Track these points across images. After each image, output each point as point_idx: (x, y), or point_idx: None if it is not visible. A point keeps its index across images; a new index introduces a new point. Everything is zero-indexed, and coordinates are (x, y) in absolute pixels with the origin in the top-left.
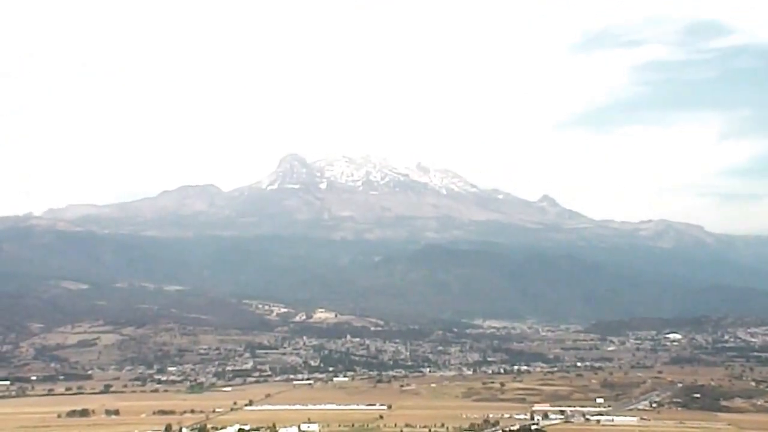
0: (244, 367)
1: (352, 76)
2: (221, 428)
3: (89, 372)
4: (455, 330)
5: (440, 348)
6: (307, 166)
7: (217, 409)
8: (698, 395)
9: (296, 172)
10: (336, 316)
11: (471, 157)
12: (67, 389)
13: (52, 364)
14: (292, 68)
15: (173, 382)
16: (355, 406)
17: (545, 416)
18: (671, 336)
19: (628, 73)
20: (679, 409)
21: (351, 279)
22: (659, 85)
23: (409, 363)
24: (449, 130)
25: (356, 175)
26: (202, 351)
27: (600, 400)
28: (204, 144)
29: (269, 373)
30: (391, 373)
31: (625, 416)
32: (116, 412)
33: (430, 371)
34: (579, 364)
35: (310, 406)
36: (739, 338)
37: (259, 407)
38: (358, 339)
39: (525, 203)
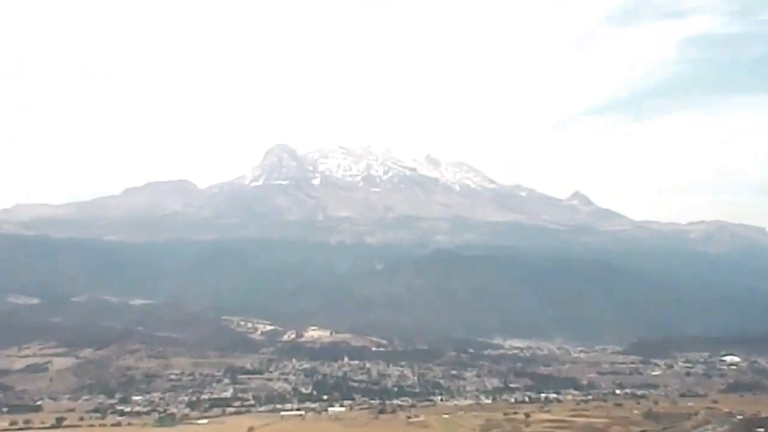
0: (223, 395)
1: (350, 57)
2: None
3: (38, 402)
4: (471, 350)
5: (453, 372)
6: (297, 158)
7: None
8: (761, 429)
9: (285, 166)
10: (331, 334)
11: (488, 148)
12: (12, 424)
13: None
14: (280, 49)
15: (139, 413)
16: None
17: None
18: (728, 358)
19: (673, 50)
20: None
21: (349, 290)
22: (710, 64)
23: (417, 390)
24: (463, 116)
25: (355, 169)
26: (173, 376)
27: None
28: (177, 133)
29: (252, 402)
30: (395, 401)
31: None
32: None
33: (441, 399)
34: (618, 391)
35: None
36: None
37: None
38: (357, 361)
39: (552, 201)
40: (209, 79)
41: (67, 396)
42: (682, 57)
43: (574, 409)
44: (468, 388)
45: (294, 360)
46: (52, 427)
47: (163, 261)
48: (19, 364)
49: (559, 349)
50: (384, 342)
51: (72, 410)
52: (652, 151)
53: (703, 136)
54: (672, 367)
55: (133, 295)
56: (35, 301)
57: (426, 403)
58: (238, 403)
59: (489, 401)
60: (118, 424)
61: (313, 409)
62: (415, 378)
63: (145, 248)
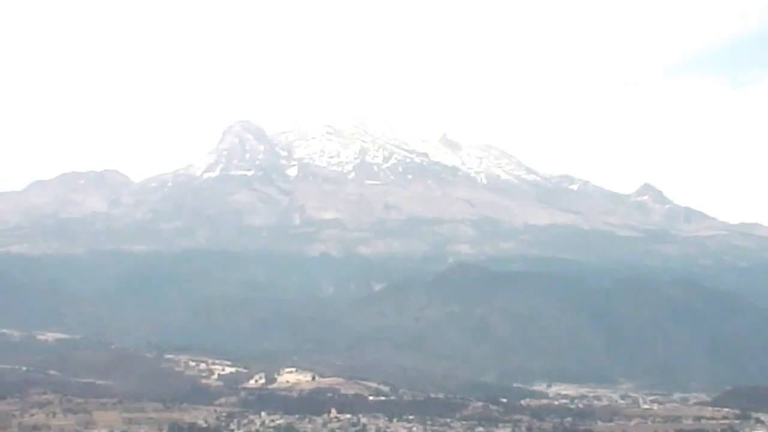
0: None
1: (334, 5)
2: None
3: None
4: (504, 400)
5: (480, 429)
6: (266, 140)
7: None
8: None
9: (249, 151)
10: (314, 378)
11: (524, 126)
12: None
13: None
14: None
15: None
16: None
17: None
18: None
19: None
20: None
21: (337, 320)
22: None
23: None
24: (488, 84)
25: (344, 155)
26: None
27: None
28: (102, 108)
29: None
30: None
31: None
32: None
33: None
34: None
35: None
36: None
37: None
38: (348, 415)
39: (614, 198)
40: (145, 40)
41: None
42: None
43: None
44: None
45: (263, 414)
46: None
47: (83, 280)
48: None
49: (624, 398)
50: (385, 389)
51: None
52: (751, 126)
53: None
54: None
55: (41, 328)
56: None
57: None
58: None
59: None
60: None
61: None
62: None
63: (58, 263)
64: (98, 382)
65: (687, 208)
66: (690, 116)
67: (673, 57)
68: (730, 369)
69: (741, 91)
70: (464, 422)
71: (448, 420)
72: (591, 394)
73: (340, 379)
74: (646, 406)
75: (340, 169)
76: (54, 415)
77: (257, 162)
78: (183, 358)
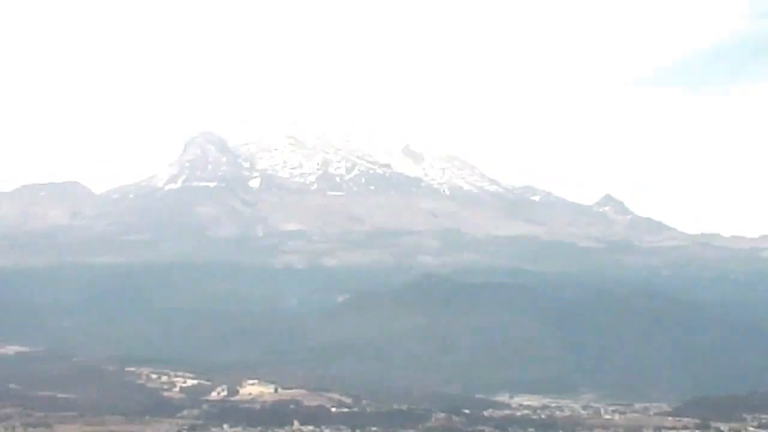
0: None
1: (296, 15)
2: None
3: None
4: (467, 411)
5: None
6: (228, 152)
7: None
8: None
9: (212, 162)
10: (276, 390)
11: (488, 138)
12: None
13: None
14: (205, 12)
15: None
16: None
17: None
18: None
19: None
20: None
21: (301, 331)
22: None
23: None
24: (453, 96)
25: (307, 166)
26: None
27: None
28: (63, 118)
29: None
30: None
31: None
32: None
33: None
34: None
35: None
36: None
37: None
38: (311, 427)
39: (575, 208)
40: (106, 51)
41: None
42: (759, 9)
43: None
44: None
45: (226, 426)
46: None
47: (44, 293)
48: None
49: (586, 408)
50: (348, 401)
51: None
52: (710, 137)
53: None
54: None
55: (1, 341)
56: None
57: None
58: None
59: None
60: None
61: None
62: None
63: (19, 276)
64: (59, 395)
65: (648, 219)
66: (651, 128)
67: (635, 70)
68: (691, 379)
69: (700, 104)
70: None
71: (411, 431)
72: (553, 405)
73: (303, 391)
74: (607, 417)
75: (303, 180)
76: (14, 429)
77: (220, 173)
78: (145, 370)
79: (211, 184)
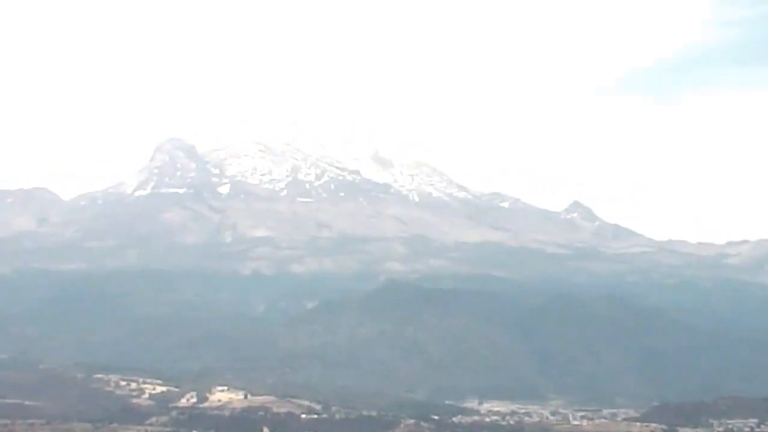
0: None
1: (262, 20)
2: None
3: None
4: (435, 417)
5: None
6: (197, 158)
7: None
8: None
9: (181, 168)
10: (246, 397)
11: (454, 144)
12: None
13: None
14: (171, 17)
15: None
16: None
17: None
18: None
19: (709, 7)
20: None
21: (268, 338)
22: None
23: None
24: (422, 103)
25: (276, 173)
26: None
27: None
28: (29, 123)
29: None
30: None
31: None
32: None
33: None
34: None
35: None
36: None
37: None
38: None
39: (544, 215)
40: (75, 56)
41: None
42: (721, 17)
43: None
44: None
45: None
46: None
47: (10, 300)
48: None
49: (554, 414)
50: (317, 407)
51: None
52: (677, 143)
53: (746, 122)
54: None
55: None
56: None
57: None
58: None
59: None
60: None
61: None
62: None
63: None
64: (26, 402)
65: (615, 226)
66: (618, 135)
67: (599, 78)
68: (658, 385)
69: (665, 111)
70: None
71: None
72: (522, 411)
73: (272, 398)
74: (575, 422)
75: (272, 186)
76: None
77: (188, 180)
78: (113, 377)
79: (180, 191)
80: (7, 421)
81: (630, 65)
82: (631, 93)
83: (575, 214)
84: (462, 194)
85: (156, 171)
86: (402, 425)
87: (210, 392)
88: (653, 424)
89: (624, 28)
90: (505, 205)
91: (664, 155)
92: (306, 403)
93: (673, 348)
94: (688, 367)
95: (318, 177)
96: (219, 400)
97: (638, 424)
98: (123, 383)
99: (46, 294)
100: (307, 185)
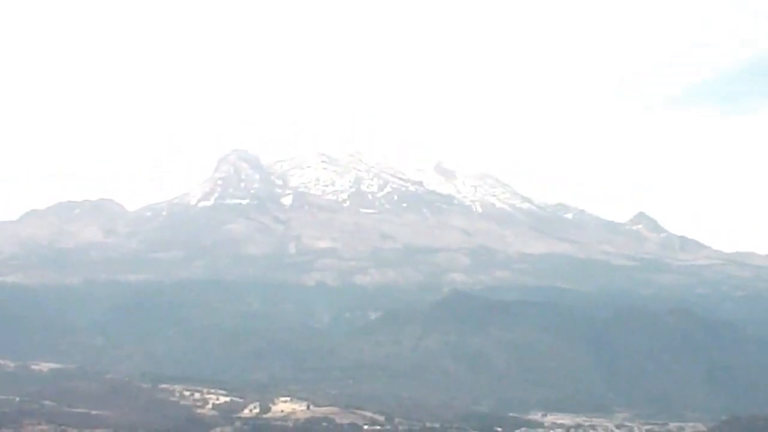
0: None
1: (328, 33)
2: None
3: None
4: (499, 429)
5: None
6: (261, 169)
7: None
8: None
9: (245, 180)
10: (309, 408)
11: (521, 155)
12: None
13: None
14: (238, 30)
15: None
16: None
17: None
18: None
19: None
20: None
21: (333, 349)
22: None
23: None
24: (486, 113)
25: (339, 184)
26: None
27: None
28: (97, 137)
29: None
30: None
31: None
32: None
33: None
34: None
35: None
36: None
37: None
38: None
39: (609, 226)
40: (140, 68)
41: None
42: None
43: None
44: None
45: None
46: None
47: (78, 311)
48: None
49: (620, 427)
50: (380, 419)
51: None
52: (748, 153)
53: None
54: None
55: (35, 358)
56: None
57: None
58: None
59: None
60: None
61: None
62: None
63: (52, 293)
64: (93, 412)
65: (682, 237)
66: (684, 146)
67: (670, 89)
68: (727, 398)
69: (733, 122)
70: None
71: None
72: (587, 424)
73: (336, 409)
74: None
75: (335, 197)
76: None
77: (252, 191)
78: (178, 387)
79: (244, 202)
80: (75, 430)
81: (698, 76)
82: (699, 104)
83: (640, 226)
84: (526, 205)
85: (220, 182)
86: None
87: (273, 403)
88: None
89: (688, 39)
90: (569, 216)
91: (732, 166)
92: (369, 414)
93: (742, 361)
94: (757, 380)
95: (381, 188)
96: (282, 411)
97: None
98: (187, 393)
99: (113, 304)
100: (370, 196)
